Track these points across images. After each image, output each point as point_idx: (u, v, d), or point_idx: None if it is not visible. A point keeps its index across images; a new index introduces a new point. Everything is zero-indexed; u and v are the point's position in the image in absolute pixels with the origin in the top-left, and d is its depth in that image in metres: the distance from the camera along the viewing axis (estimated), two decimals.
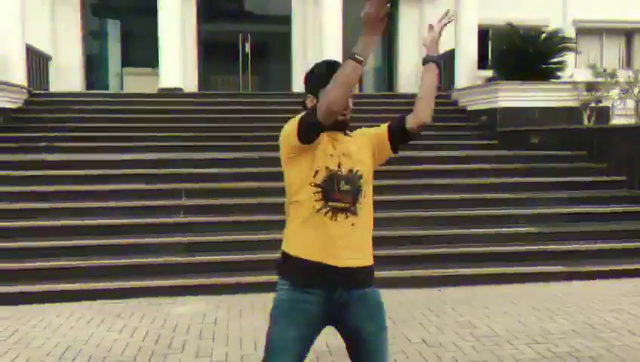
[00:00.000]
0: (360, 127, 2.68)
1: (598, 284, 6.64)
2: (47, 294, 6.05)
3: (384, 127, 2.64)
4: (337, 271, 2.40)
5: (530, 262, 7.06)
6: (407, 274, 6.65)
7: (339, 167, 2.42)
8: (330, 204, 2.40)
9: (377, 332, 2.50)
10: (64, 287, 6.13)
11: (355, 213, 2.43)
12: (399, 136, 2.61)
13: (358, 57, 2.19)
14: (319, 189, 2.40)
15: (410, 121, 2.60)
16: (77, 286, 6.18)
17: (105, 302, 5.97)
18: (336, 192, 2.40)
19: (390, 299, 5.98)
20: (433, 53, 2.62)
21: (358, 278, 2.45)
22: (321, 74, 2.46)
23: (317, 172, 2.41)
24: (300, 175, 2.44)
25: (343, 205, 2.41)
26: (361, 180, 2.46)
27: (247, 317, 5.47)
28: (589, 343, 4.81)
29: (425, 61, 2.63)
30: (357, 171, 2.45)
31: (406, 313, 5.61)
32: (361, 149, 2.53)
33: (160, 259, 6.67)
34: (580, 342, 4.85)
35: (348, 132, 2.56)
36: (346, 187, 2.41)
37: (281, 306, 2.46)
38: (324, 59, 2.32)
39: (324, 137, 2.42)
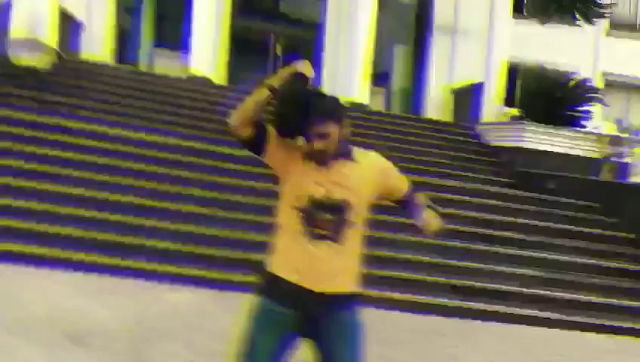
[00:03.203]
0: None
1: (595, 337, 6.57)
2: (44, 258, 6.04)
3: (403, 188, 2.61)
4: (313, 294, 2.41)
5: (530, 305, 7.00)
6: (405, 298, 6.59)
7: (326, 194, 2.38)
8: (310, 229, 2.39)
9: (347, 356, 2.47)
10: (62, 255, 6.12)
11: (337, 241, 2.41)
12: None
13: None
14: (300, 214, 2.40)
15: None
16: (74, 256, 6.16)
17: (100, 276, 5.96)
18: (317, 220, 2.39)
19: (382, 319, 5.95)
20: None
21: (333, 304, 2.45)
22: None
23: (299, 197, 2.40)
24: (283, 196, 2.47)
25: (324, 232, 2.39)
26: (348, 211, 2.40)
27: (239, 313, 5.43)
28: None
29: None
30: (346, 201, 2.39)
31: (395, 336, 5.57)
32: (360, 180, 2.44)
33: (162, 244, 6.66)
34: None
35: (354, 157, 2.47)
36: (328, 216, 2.39)
37: (256, 317, 2.50)
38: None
39: (313, 163, 2.40)
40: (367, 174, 2.46)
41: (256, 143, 2.41)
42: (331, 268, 2.41)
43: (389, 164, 2.56)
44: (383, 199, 2.57)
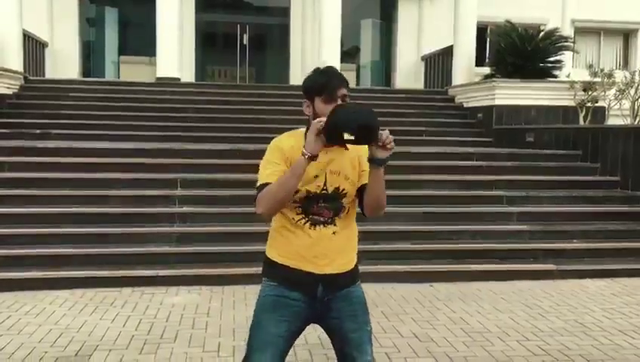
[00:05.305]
0: None
1: (590, 283, 6.68)
2: (40, 281, 6.04)
3: (363, 179, 2.47)
4: (316, 277, 2.47)
5: (523, 259, 7.11)
6: (401, 269, 6.67)
7: (324, 185, 2.43)
8: (309, 216, 2.45)
9: (358, 330, 2.54)
10: (57, 275, 6.12)
11: (334, 224, 2.48)
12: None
13: (304, 153, 2.26)
14: (298, 205, 2.45)
15: (364, 208, 2.50)
16: (70, 273, 6.16)
17: (98, 291, 5.97)
18: (315, 208, 2.45)
19: (383, 293, 6.03)
20: (382, 156, 2.29)
21: (337, 283, 2.51)
22: (318, 82, 2.42)
23: (297, 191, 2.40)
24: None
25: (322, 218, 2.46)
26: (345, 198, 2.47)
27: (241, 308, 5.48)
28: (579, 341, 4.85)
29: (372, 162, 2.32)
30: (342, 190, 2.45)
31: (398, 307, 5.63)
32: (351, 164, 2.48)
33: (154, 249, 6.67)
34: (571, 339, 4.88)
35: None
36: (326, 204, 2.45)
37: (265, 302, 2.53)
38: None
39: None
40: (355, 158, 2.49)
41: None
42: (332, 249, 2.48)
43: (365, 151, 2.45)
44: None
